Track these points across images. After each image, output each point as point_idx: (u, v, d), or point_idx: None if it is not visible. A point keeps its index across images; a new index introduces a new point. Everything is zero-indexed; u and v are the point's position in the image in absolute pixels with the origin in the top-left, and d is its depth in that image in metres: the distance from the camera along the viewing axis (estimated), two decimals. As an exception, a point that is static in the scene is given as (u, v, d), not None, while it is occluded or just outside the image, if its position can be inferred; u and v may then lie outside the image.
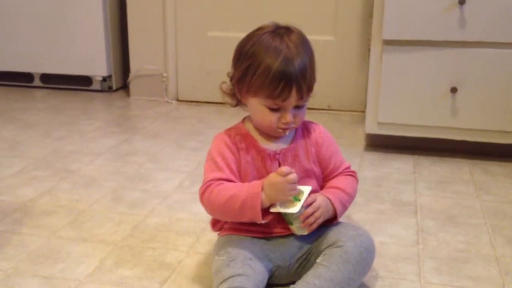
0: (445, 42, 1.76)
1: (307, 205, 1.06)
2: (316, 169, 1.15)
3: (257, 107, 1.09)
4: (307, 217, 1.06)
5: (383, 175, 1.76)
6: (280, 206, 1.06)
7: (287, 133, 1.11)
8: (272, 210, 1.06)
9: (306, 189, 1.07)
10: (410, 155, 1.93)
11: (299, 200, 1.05)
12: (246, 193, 1.05)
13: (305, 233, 1.08)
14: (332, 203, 1.10)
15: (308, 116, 1.18)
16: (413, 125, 1.86)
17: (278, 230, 1.12)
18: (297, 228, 1.08)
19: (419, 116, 1.84)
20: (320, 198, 1.09)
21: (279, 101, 1.06)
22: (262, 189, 1.04)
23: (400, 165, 1.84)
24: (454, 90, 1.78)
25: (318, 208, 1.07)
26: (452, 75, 1.78)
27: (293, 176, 1.03)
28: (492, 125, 1.80)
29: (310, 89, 1.08)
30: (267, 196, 1.04)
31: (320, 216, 1.07)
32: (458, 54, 1.76)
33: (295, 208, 1.04)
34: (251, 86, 1.07)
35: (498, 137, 1.81)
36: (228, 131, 1.15)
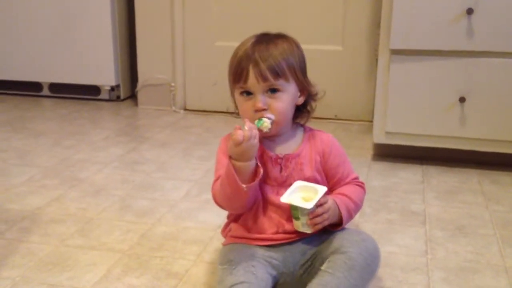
0: (453, 52, 1.75)
1: (319, 205, 1.06)
2: (320, 178, 1.15)
3: (237, 99, 1.12)
4: (316, 216, 1.06)
5: (391, 185, 1.75)
6: (293, 198, 1.06)
7: (268, 130, 1.06)
8: (283, 200, 1.06)
9: (321, 189, 1.07)
10: (418, 165, 1.92)
11: (313, 198, 1.05)
12: (225, 173, 1.06)
13: (309, 231, 1.07)
14: (338, 209, 1.10)
15: (315, 125, 1.19)
16: (421, 134, 1.85)
17: (281, 236, 1.12)
18: (302, 225, 1.07)
19: (427, 126, 1.84)
20: (330, 201, 1.09)
21: (242, 83, 1.08)
22: (231, 157, 1.03)
23: (409, 175, 1.84)
24: (462, 99, 1.78)
25: (327, 210, 1.07)
26: (460, 84, 1.78)
27: (240, 135, 0.99)
28: (501, 135, 1.79)
29: (274, 70, 1.06)
30: (238, 160, 1.02)
31: (327, 218, 1.07)
32: (466, 63, 1.76)
33: (308, 204, 1.04)
34: (229, 78, 1.11)
35: (507, 147, 1.80)
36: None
